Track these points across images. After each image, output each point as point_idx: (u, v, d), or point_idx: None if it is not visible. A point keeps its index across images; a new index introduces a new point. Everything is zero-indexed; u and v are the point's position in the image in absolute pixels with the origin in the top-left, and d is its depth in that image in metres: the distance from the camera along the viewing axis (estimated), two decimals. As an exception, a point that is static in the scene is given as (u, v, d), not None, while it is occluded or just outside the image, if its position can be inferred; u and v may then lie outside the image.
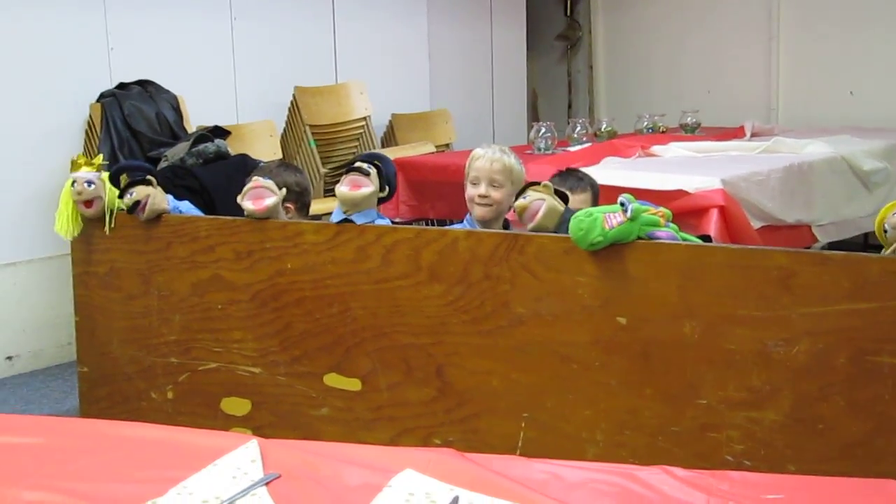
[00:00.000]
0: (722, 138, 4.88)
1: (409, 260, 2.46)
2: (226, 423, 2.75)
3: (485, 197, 2.75)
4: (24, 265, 4.12)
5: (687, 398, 2.17)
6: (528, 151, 4.56)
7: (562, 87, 7.74)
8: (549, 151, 4.49)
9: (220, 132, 4.12)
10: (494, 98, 6.71)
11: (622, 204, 2.18)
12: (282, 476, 1.28)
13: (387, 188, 2.79)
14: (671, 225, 2.25)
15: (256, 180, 2.64)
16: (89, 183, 2.75)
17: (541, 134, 4.59)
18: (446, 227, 2.71)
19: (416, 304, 2.46)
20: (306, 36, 5.31)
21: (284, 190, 2.72)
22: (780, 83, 6.37)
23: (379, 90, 5.45)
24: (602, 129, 5.09)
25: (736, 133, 5.13)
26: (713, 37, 6.65)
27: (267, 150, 4.66)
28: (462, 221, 2.88)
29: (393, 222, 3.56)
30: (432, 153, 5.08)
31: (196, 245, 2.74)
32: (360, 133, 5.30)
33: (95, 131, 4.18)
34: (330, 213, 3.06)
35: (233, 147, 4.17)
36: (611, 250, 2.21)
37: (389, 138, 5.63)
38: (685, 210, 3.24)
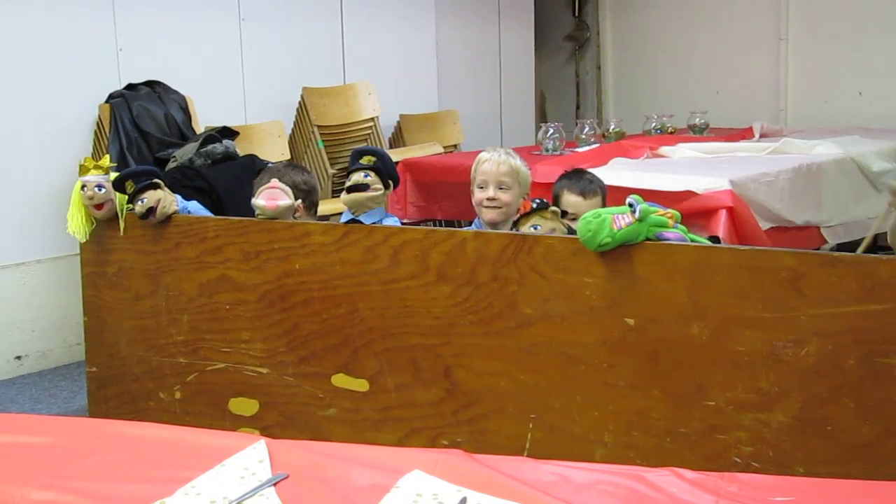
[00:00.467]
0: (730, 139, 4.87)
1: (417, 261, 2.46)
2: (233, 423, 2.75)
3: (493, 200, 2.74)
4: (32, 265, 4.14)
5: (695, 400, 2.16)
6: (536, 152, 4.56)
7: (570, 88, 7.73)
8: (557, 152, 4.49)
9: (228, 133, 4.13)
10: (502, 99, 6.70)
11: (630, 205, 2.18)
12: (290, 476, 1.28)
13: (390, 183, 2.78)
14: (680, 226, 2.24)
15: (274, 182, 2.66)
16: (99, 187, 2.78)
17: (549, 135, 4.58)
18: (455, 229, 2.70)
19: (423, 305, 2.46)
20: (314, 36, 5.31)
21: (300, 202, 2.73)
22: (788, 84, 6.36)
23: (387, 91, 5.45)
24: (610, 130, 5.08)
25: (744, 134, 5.11)
26: (722, 37, 6.64)
27: (275, 150, 4.66)
28: (471, 225, 2.87)
29: (401, 223, 3.56)
30: (440, 154, 5.08)
31: (204, 245, 2.75)
32: (369, 134, 5.30)
33: (104, 132, 4.19)
34: (339, 214, 3.06)
35: (241, 148, 4.18)
36: (619, 251, 2.20)
37: (397, 139, 5.64)
38: (693, 211, 3.23)
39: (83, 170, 2.80)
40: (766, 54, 6.43)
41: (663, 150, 4.40)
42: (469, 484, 1.23)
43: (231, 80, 4.86)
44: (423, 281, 2.46)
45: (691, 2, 6.81)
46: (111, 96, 4.25)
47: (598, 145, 4.66)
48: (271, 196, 2.63)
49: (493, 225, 2.76)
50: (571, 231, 2.42)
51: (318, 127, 5.00)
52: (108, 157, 3.00)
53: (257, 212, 2.67)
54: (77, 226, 2.87)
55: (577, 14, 7.56)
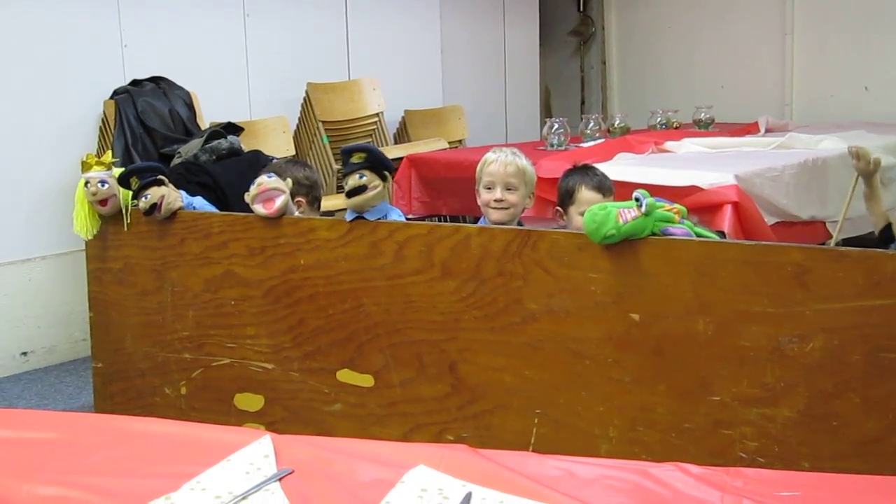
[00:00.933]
0: (736, 134, 4.86)
1: (421, 256, 2.46)
2: (239, 418, 2.76)
3: (501, 201, 2.72)
4: (38, 261, 4.14)
5: (700, 395, 2.16)
6: (541, 147, 4.55)
7: (575, 83, 7.72)
8: (563, 147, 4.49)
9: (233, 128, 4.13)
10: (507, 94, 6.70)
11: (637, 199, 2.17)
12: (295, 472, 1.29)
13: (386, 175, 2.73)
14: (686, 222, 2.24)
15: (261, 184, 2.64)
16: (103, 182, 2.78)
17: (554, 130, 4.58)
18: (459, 224, 2.70)
19: (428, 301, 2.47)
20: (319, 32, 5.31)
21: (290, 181, 2.71)
22: (794, 79, 6.34)
23: (392, 86, 5.45)
24: (615, 125, 5.08)
25: (750, 129, 5.10)
26: (727, 32, 6.62)
27: (280, 146, 4.67)
28: (476, 223, 2.86)
29: (406, 218, 3.55)
30: (445, 149, 5.08)
31: (209, 241, 2.75)
32: (373, 129, 5.30)
33: (109, 128, 4.19)
34: (344, 210, 3.05)
35: (246, 143, 4.18)
36: (624, 246, 2.20)
37: (402, 134, 5.63)
38: (699, 206, 3.22)
39: (85, 166, 2.81)
40: (771, 49, 6.41)
41: (668, 145, 4.39)
42: (474, 479, 1.23)
43: (236, 75, 4.86)
44: (428, 276, 2.46)
45: (696, -4, 6.80)
46: (116, 92, 4.26)
47: (602, 140, 4.66)
48: (266, 198, 2.62)
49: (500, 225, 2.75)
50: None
51: (323, 122, 5.00)
52: (110, 152, 3.00)
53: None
54: (82, 224, 2.87)
55: (581, 9, 7.55)
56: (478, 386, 2.43)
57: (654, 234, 2.19)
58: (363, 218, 2.57)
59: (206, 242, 2.76)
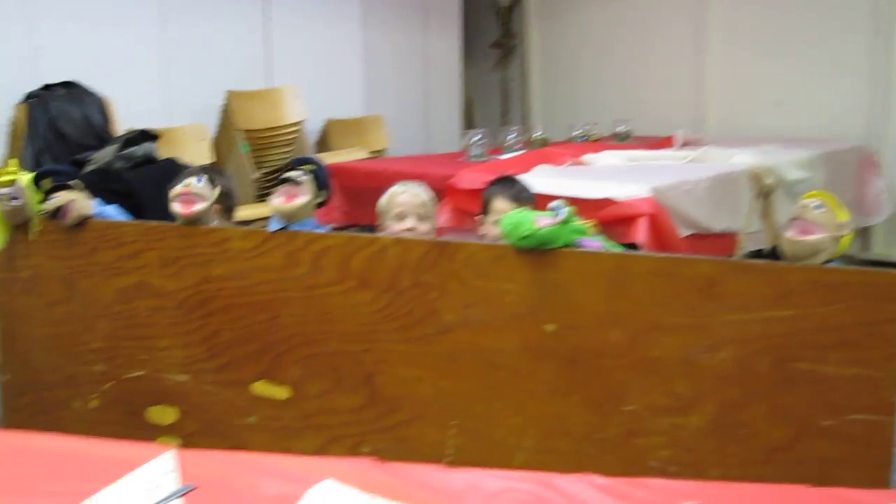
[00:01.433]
0: (652, 147, 4.94)
1: (338, 267, 2.45)
2: (152, 432, 2.70)
3: (413, 230, 2.73)
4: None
5: (613, 405, 2.19)
6: (462, 158, 4.57)
7: (496, 95, 7.78)
8: (482, 158, 4.51)
9: (148, 136, 4.05)
10: (429, 105, 6.71)
11: (554, 208, 2.20)
12: (198, 488, 1.26)
13: (322, 193, 2.76)
14: (600, 237, 2.27)
15: (188, 185, 2.61)
16: (13, 198, 2.70)
17: (474, 141, 4.60)
18: (376, 235, 2.69)
19: (345, 312, 2.45)
20: (238, 39, 5.25)
21: (218, 190, 2.69)
22: (709, 95, 6.49)
23: (313, 95, 5.42)
24: (535, 137, 5.13)
25: (666, 143, 5.20)
26: (645, 48, 6.75)
27: (198, 154, 4.60)
28: None
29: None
30: (366, 159, 5.07)
31: (121, 251, 2.69)
32: (294, 138, 5.26)
33: (20, 133, 4.08)
34: (262, 219, 3.02)
35: (163, 151, 4.11)
36: (539, 258, 2.22)
37: (323, 143, 5.60)
38: (614, 218, 3.26)
39: None
40: (687, 65, 6.55)
41: (586, 157, 4.45)
42: (380, 492, 1.23)
43: (153, 82, 4.77)
44: (345, 287, 2.44)
45: (615, 13, 6.91)
46: (28, 96, 4.15)
47: (522, 152, 4.69)
48: (187, 200, 2.60)
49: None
50: None
51: (243, 131, 4.94)
52: (13, 161, 2.91)
53: (176, 216, 2.63)
54: None
55: (503, 21, 7.61)
56: (394, 397, 2.42)
57: (568, 245, 2.21)
58: (287, 229, 2.55)
59: (118, 252, 2.70)
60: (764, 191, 2.72)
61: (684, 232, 3.56)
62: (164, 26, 4.80)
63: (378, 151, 5.69)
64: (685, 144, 5.09)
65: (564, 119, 5.92)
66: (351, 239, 2.48)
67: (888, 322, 1.98)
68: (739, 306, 2.07)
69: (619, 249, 2.27)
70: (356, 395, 2.46)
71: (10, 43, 4.16)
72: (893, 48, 5.68)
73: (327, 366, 2.49)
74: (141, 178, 3.69)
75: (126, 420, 2.74)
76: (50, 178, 2.72)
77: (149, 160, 3.85)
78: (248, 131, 4.97)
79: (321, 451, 2.47)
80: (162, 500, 1.22)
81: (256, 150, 5.02)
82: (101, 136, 4.18)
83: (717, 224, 3.82)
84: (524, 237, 2.17)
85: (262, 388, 2.57)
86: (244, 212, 3.97)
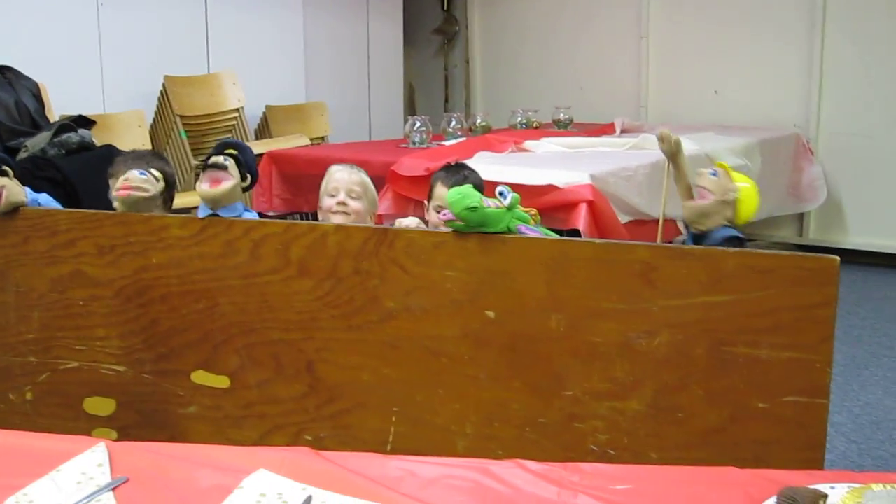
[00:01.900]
0: (593, 134, 4.99)
1: (277, 254, 2.42)
2: (89, 423, 2.65)
3: (344, 204, 2.75)
4: None
5: (554, 390, 2.21)
6: (403, 145, 4.56)
7: (439, 82, 7.77)
8: (424, 145, 4.51)
9: (84, 122, 3.98)
10: (371, 91, 6.68)
11: (501, 193, 2.21)
12: (130, 480, 1.24)
13: (248, 176, 2.71)
14: (541, 227, 2.29)
15: (129, 179, 2.56)
16: None
17: (416, 128, 4.60)
18: (316, 222, 2.68)
19: (285, 300, 2.43)
20: (177, 24, 5.17)
21: (162, 185, 2.65)
22: (649, 81, 6.56)
23: (253, 81, 5.36)
24: (476, 124, 5.14)
25: (606, 129, 5.25)
26: (586, 34, 6.80)
27: (135, 140, 4.53)
28: None
29: (267, 216, 3.50)
30: (307, 146, 5.03)
31: (56, 239, 2.64)
32: (233, 124, 5.21)
33: (-51, 119, 3.98)
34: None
35: (100, 137, 4.04)
36: (479, 244, 2.22)
37: (263, 130, 5.55)
38: (555, 205, 3.29)
39: None
40: (627, 52, 6.61)
41: (527, 144, 4.47)
42: (315, 482, 1.22)
43: (88, 67, 4.68)
44: (285, 275, 2.42)
45: (557, 0, 6.94)
46: (-43, 82, 4.05)
47: (464, 139, 4.70)
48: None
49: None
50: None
51: (181, 117, 4.88)
52: None
53: (115, 204, 2.58)
54: None
55: (446, 7, 7.60)
56: (335, 385, 2.41)
57: (510, 230, 2.22)
58: (217, 216, 2.51)
59: (52, 240, 2.64)
60: (672, 151, 2.73)
61: (624, 218, 3.60)
62: (101, 10, 4.70)
63: (319, 138, 5.65)
64: (624, 131, 5.14)
65: (506, 106, 5.94)
66: (290, 226, 2.46)
67: (822, 306, 2.02)
68: (677, 292, 2.09)
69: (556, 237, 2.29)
70: (297, 383, 2.45)
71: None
72: (827, 39, 5.79)
73: (268, 354, 2.46)
74: (76, 166, 3.62)
75: (62, 412, 2.69)
76: (-21, 164, 2.65)
77: (84, 147, 3.78)
78: (186, 117, 4.90)
79: (262, 440, 2.46)
80: (93, 493, 1.20)
81: (195, 137, 4.96)
82: (35, 121, 4.09)
83: (657, 210, 3.85)
84: (470, 208, 2.15)
85: (201, 377, 2.54)
86: (183, 199, 3.92)
